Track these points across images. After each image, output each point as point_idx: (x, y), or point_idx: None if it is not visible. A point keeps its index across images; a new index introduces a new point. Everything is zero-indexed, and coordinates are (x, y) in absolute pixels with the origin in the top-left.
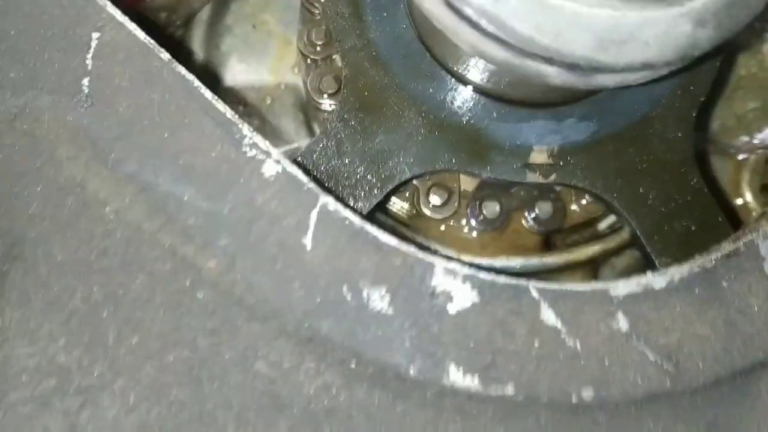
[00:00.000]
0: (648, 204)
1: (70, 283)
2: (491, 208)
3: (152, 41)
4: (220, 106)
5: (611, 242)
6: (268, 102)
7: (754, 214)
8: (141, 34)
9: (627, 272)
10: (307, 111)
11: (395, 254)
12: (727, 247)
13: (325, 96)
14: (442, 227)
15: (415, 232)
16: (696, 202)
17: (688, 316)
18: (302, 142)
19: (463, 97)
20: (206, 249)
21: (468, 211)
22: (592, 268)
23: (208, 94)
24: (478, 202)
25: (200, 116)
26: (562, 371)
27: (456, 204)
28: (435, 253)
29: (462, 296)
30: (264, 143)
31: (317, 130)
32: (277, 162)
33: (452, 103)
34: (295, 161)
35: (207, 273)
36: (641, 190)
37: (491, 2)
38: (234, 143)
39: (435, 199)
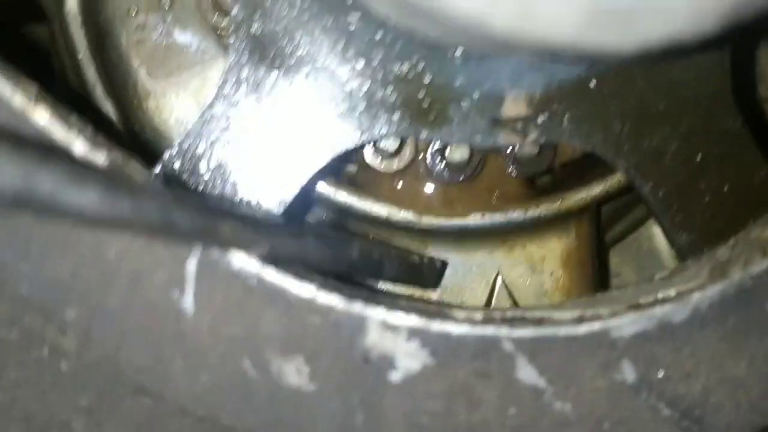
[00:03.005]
0: (666, 161)
1: None
2: (459, 152)
3: None
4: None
5: (613, 180)
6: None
7: None
8: None
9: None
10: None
11: (311, 309)
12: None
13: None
14: (396, 183)
15: (362, 191)
16: (731, 153)
17: (717, 355)
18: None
19: (400, 32)
20: (52, 323)
21: (428, 158)
22: (590, 218)
23: None
24: (440, 147)
25: None
26: None
27: (412, 150)
28: (375, 293)
29: (407, 359)
30: None
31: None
32: None
33: (386, 42)
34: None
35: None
36: (657, 142)
37: None
38: None
39: (385, 147)
